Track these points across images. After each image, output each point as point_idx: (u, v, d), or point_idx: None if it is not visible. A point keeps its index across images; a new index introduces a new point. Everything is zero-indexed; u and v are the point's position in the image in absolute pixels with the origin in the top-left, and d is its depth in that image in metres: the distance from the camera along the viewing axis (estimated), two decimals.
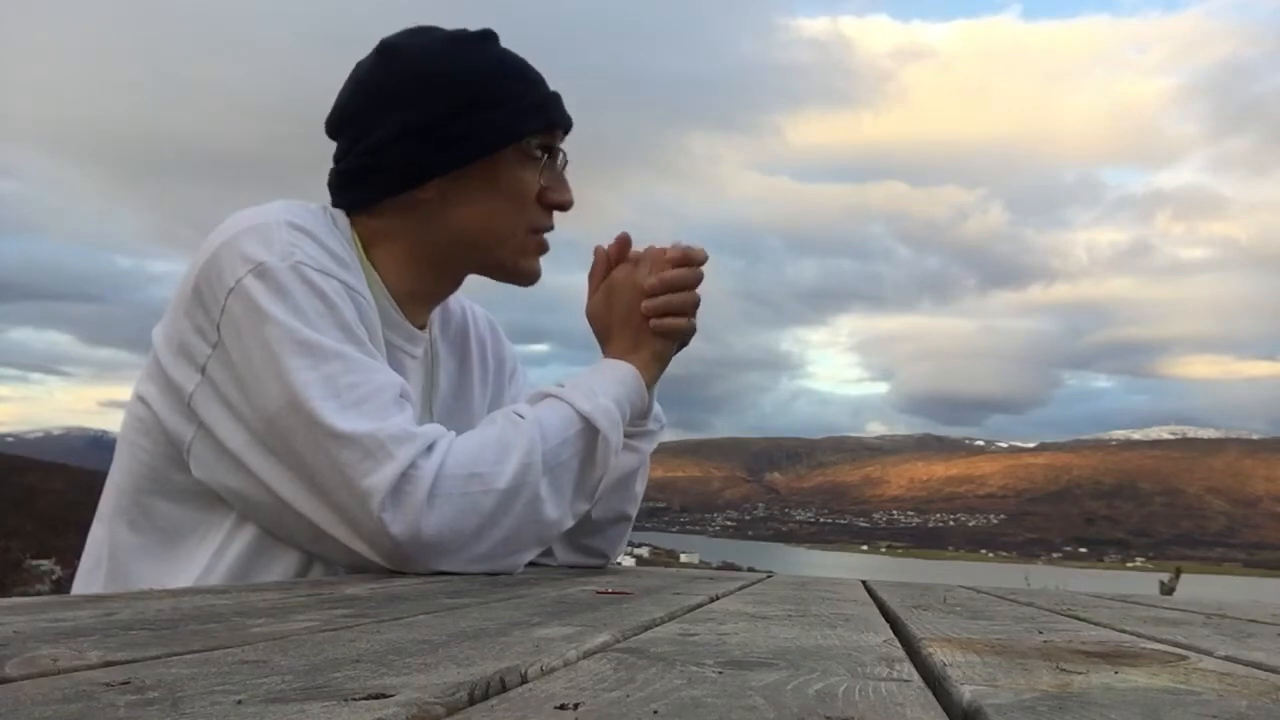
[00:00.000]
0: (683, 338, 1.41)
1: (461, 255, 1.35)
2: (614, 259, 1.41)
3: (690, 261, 1.38)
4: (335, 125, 1.35)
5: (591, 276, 1.43)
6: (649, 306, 1.36)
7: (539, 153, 1.34)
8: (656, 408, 1.51)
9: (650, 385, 1.38)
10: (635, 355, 1.37)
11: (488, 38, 1.36)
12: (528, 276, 1.39)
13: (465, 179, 1.30)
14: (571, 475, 1.21)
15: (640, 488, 1.54)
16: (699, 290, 1.39)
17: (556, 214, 1.38)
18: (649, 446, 1.51)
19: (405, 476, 1.07)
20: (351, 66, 1.35)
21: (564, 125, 1.37)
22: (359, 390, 1.10)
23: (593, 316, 1.42)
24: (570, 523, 1.24)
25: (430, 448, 1.10)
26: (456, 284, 1.41)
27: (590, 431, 1.23)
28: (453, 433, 1.16)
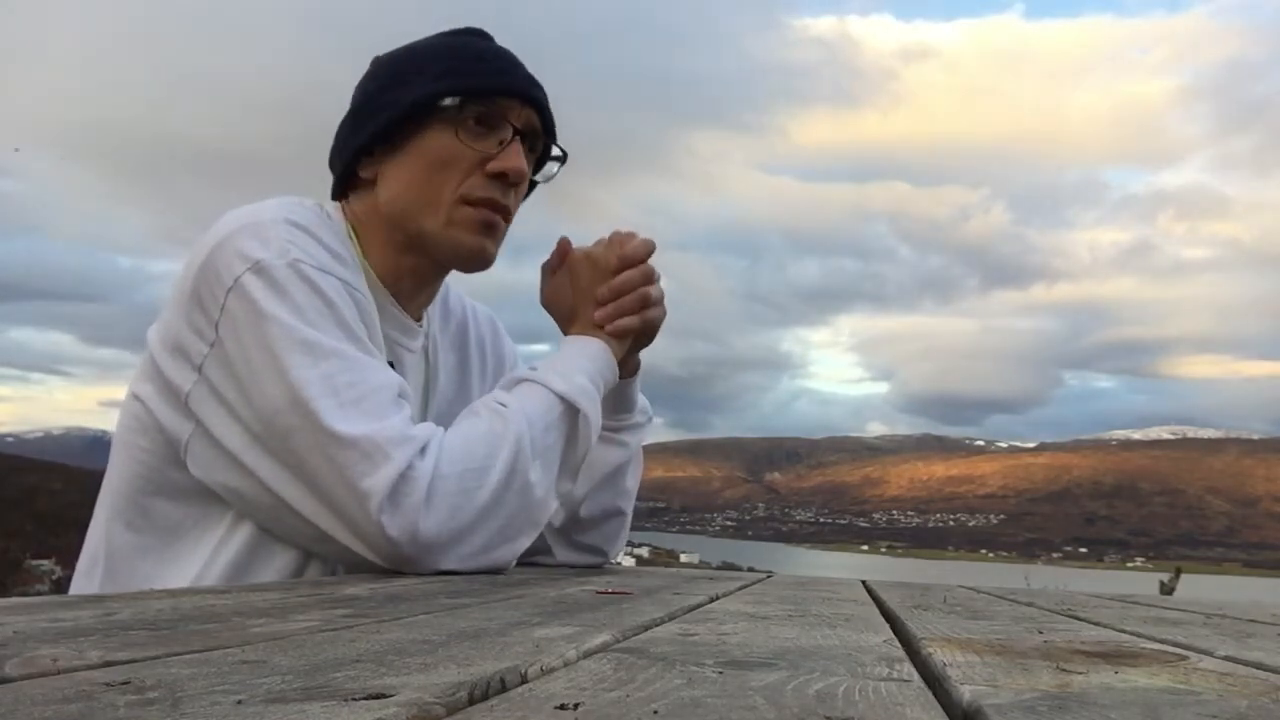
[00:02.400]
0: (647, 332, 1.41)
1: (402, 232, 1.30)
2: (555, 261, 1.42)
3: (635, 262, 1.38)
4: None
5: (545, 267, 1.44)
6: (599, 316, 1.36)
7: (471, 119, 1.29)
8: (643, 400, 1.51)
9: (619, 357, 1.37)
10: (601, 329, 1.37)
11: (465, 32, 1.36)
12: (468, 252, 1.31)
13: (396, 153, 1.30)
14: (557, 456, 1.23)
15: (633, 482, 1.54)
16: (659, 284, 1.40)
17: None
18: (635, 440, 1.51)
19: (403, 478, 1.08)
20: (353, 64, 1.37)
21: (502, 90, 1.31)
22: (357, 389, 1.10)
23: (552, 300, 1.42)
24: (555, 502, 1.25)
25: (424, 448, 1.11)
26: (434, 269, 1.36)
27: (571, 412, 1.24)
28: (442, 429, 1.16)
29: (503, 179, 1.29)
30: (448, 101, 1.28)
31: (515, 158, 1.29)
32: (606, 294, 1.36)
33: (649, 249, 1.39)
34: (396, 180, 1.30)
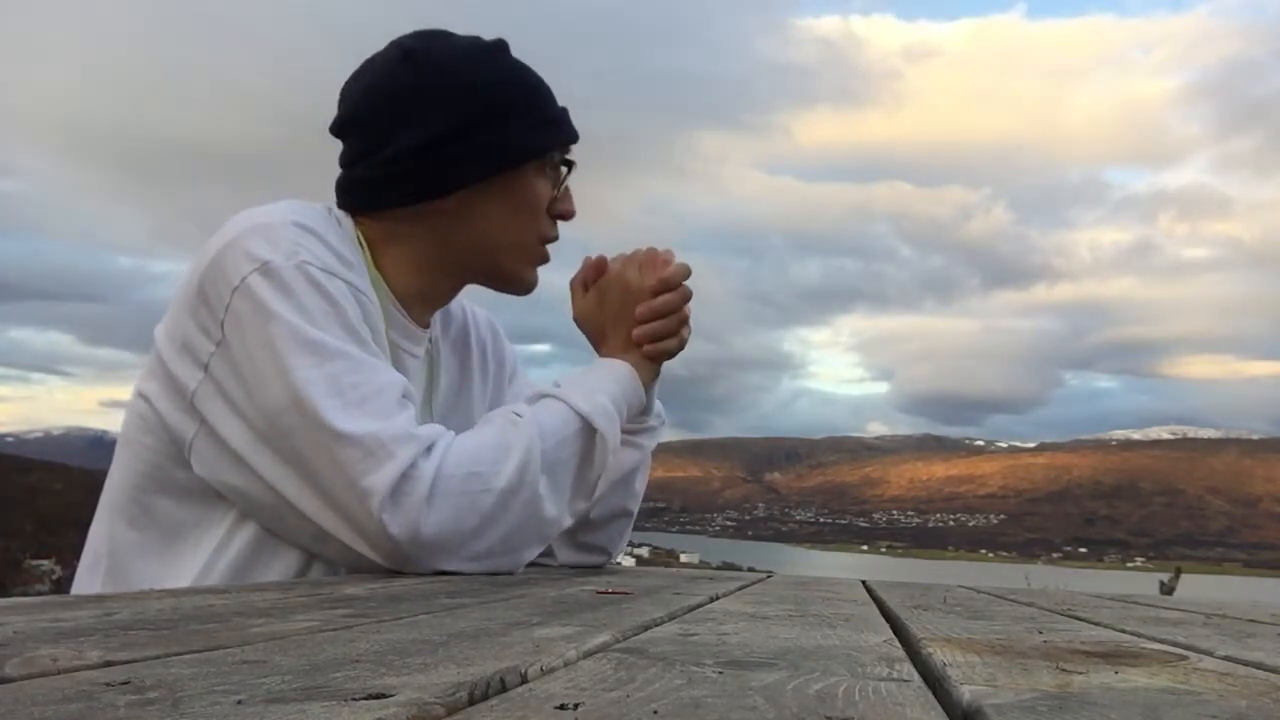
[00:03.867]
0: (675, 352, 1.43)
1: (471, 264, 1.36)
2: (591, 276, 1.43)
3: (673, 285, 1.39)
4: (347, 126, 1.33)
5: (574, 283, 1.45)
6: (638, 335, 1.38)
7: (561, 166, 1.37)
8: (658, 405, 1.52)
9: (646, 383, 1.38)
10: (630, 353, 1.38)
11: (504, 48, 1.37)
12: (528, 286, 1.41)
13: (486, 190, 1.31)
14: (570, 474, 1.22)
15: (641, 484, 1.54)
16: (689, 303, 1.41)
17: (560, 224, 1.40)
18: (650, 443, 1.51)
19: (405, 476, 1.08)
20: (355, 65, 1.35)
21: (577, 139, 1.40)
22: (361, 389, 1.10)
23: (583, 318, 1.43)
24: (569, 521, 1.25)
25: (430, 448, 1.11)
26: (459, 288, 1.42)
27: (588, 430, 1.24)
28: (452, 432, 1.16)
29: (562, 219, 1.39)
30: (556, 156, 1.36)
31: (573, 201, 1.40)
32: (646, 313, 1.38)
33: (686, 273, 1.40)
34: (486, 219, 1.33)
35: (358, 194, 1.32)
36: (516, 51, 1.38)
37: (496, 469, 1.14)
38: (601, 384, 1.30)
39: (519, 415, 1.20)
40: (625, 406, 1.32)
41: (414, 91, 1.29)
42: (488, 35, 1.39)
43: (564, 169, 1.39)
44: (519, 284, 1.40)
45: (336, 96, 1.35)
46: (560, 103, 1.40)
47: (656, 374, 1.43)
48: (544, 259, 1.40)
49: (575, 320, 1.45)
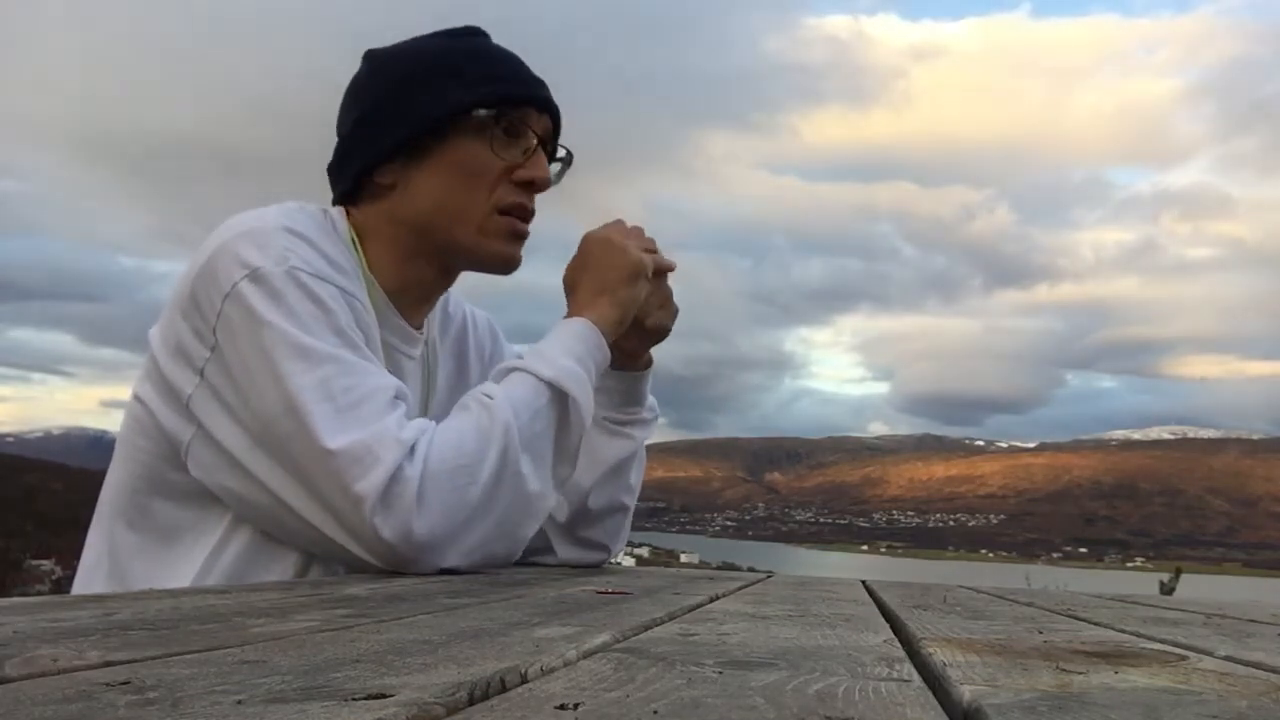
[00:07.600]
0: (658, 331, 1.44)
1: (428, 241, 1.31)
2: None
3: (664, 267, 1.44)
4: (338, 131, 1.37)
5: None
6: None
7: (500, 129, 1.31)
8: (650, 399, 1.51)
9: (607, 331, 1.33)
10: (592, 308, 1.34)
11: (467, 32, 1.37)
12: (499, 260, 1.34)
13: (422, 160, 1.30)
14: (549, 444, 1.21)
15: (636, 478, 1.53)
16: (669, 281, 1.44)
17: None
18: (642, 435, 1.50)
19: (394, 479, 1.07)
20: (354, 64, 1.37)
21: (527, 100, 1.33)
22: (354, 394, 1.10)
23: (565, 277, 1.41)
24: (554, 493, 1.24)
25: (413, 448, 1.10)
26: (443, 276, 1.38)
27: (560, 397, 1.22)
28: (432, 424, 1.15)
29: (530, 187, 1.32)
30: (482, 113, 1.30)
31: (542, 167, 1.34)
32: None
33: (670, 267, 1.44)
34: (426, 189, 1.30)
35: (332, 186, 1.36)
36: (521, 48, 1.37)
37: (480, 459, 1.13)
38: (565, 345, 1.28)
39: (490, 396, 1.19)
40: (593, 363, 1.29)
41: (364, 78, 1.36)
42: (491, 34, 1.39)
43: (526, 133, 1.32)
44: (486, 259, 1.34)
45: (338, 94, 1.37)
46: (547, 84, 1.36)
47: (619, 323, 1.36)
48: (510, 230, 1.33)
49: (563, 281, 1.41)
